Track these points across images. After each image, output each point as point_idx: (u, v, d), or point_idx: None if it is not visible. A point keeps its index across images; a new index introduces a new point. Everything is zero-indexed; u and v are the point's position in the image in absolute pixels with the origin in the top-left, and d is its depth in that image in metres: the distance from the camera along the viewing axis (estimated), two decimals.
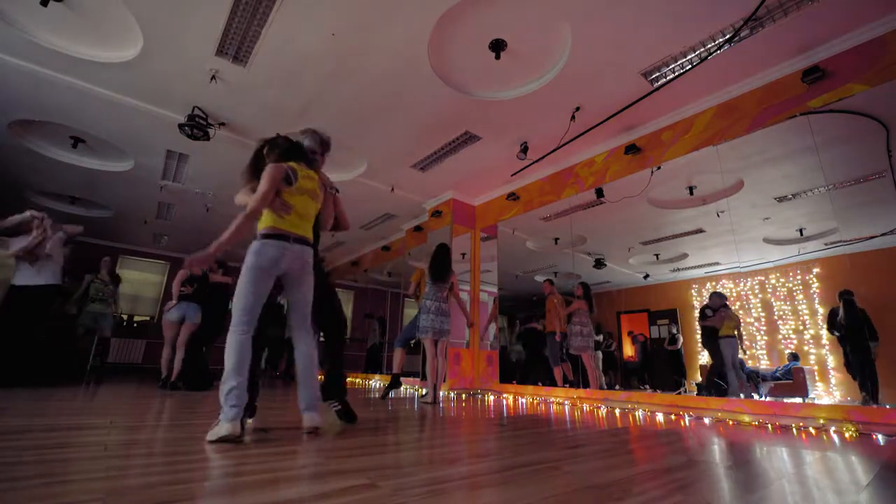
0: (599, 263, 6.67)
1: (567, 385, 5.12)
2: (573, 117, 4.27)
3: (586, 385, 4.96)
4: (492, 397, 5.15)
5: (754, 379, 4.56)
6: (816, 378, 4.42)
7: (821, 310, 4.57)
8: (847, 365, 3.93)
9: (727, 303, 4.84)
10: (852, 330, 3.75)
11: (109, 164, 5.76)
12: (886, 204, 3.41)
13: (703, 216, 5.08)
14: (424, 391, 4.71)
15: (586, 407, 4.14)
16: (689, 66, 3.50)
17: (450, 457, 1.66)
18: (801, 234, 4.76)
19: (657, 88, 3.78)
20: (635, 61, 3.56)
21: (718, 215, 4.69)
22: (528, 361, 6.47)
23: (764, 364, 4.92)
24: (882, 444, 2.35)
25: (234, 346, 1.86)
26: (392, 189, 6.24)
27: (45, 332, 4.50)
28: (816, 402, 3.91)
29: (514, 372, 6.56)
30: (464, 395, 5.24)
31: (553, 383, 5.25)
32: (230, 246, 1.87)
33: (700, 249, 6.05)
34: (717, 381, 4.71)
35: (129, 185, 6.31)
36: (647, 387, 6.71)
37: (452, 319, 5.86)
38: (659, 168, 4.37)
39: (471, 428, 2.52)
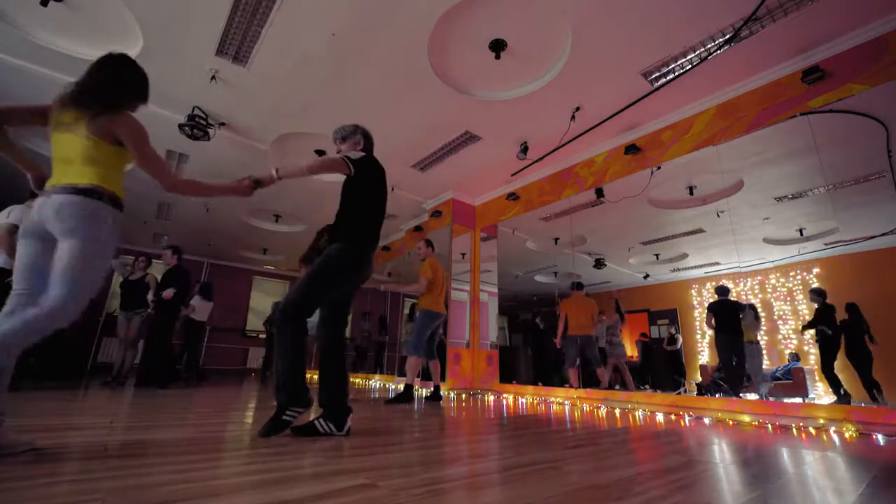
0: (599, 263, 6.68)
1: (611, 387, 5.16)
2: (573, 117, 4.27)
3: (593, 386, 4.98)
4: (492, 397, 5.15)
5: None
6: (816, 378, 4.43)
7: None
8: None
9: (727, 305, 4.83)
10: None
11: None
12: (886, 204, 3.41)
13: (703, 216, 5.08)
14: (426, 391, 4.72)
15: (586, 407, 4.14)
16: (689, 66, 3.50)
17: (450, 457, 1.66)
18: (801, 234, 4.77)
19: (657, 88, 3.78)
20: (635, 61, 3.55)
21: (718, 215, 4.70)
22: (535, 351, 6.53)
23: (764, 364, 4.93)
24: (882, 444, 2.35)
25: None
26: (392, 189, 6.24)
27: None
28: (816, 402, 3.92)
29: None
30: (464, 395, 5.23)
31: (561, 382, 5.30)
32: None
33: (700, 249, 6.05)
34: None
35: (129, 185, 6.28)
36: (648, 387, 6.72)
37: (451, 320, 5.85)
38: (659, 168, 4.36)
39: (471, 428, 2.52)
